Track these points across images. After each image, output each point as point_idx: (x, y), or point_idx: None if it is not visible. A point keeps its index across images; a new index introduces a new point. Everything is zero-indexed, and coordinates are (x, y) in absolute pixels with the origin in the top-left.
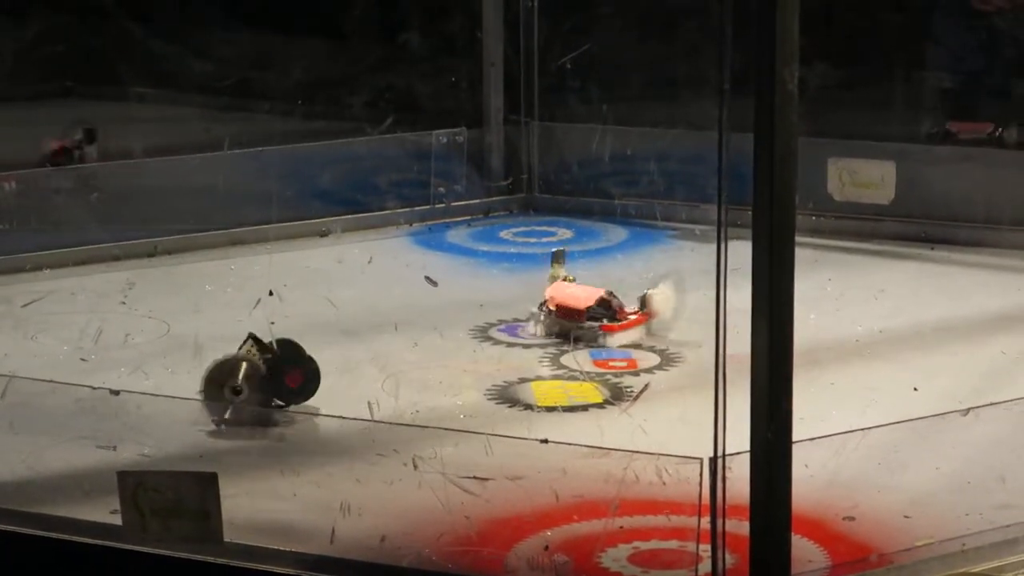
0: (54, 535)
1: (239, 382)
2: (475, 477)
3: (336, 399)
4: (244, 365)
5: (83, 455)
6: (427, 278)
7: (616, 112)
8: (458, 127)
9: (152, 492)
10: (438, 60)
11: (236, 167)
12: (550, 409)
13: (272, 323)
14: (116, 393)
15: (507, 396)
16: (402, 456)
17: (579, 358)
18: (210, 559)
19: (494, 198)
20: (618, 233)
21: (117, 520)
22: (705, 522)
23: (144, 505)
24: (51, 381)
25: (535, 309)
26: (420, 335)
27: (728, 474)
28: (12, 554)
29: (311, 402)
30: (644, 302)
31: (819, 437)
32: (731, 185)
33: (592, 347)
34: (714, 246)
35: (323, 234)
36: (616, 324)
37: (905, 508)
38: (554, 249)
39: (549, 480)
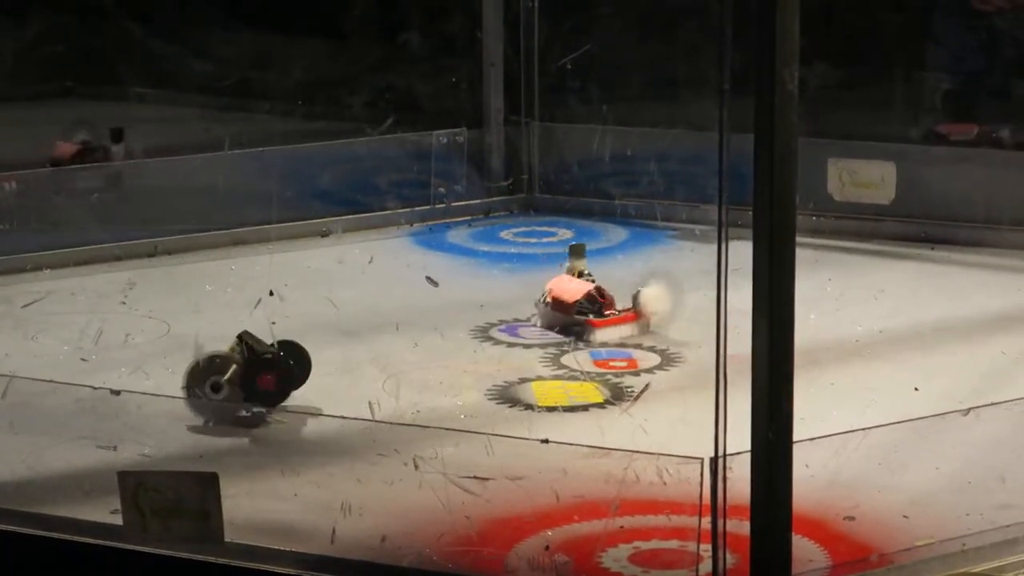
0: (55, 535)
1: (222, 380)
2: (476, 477)
3: (337, 399)
4: (234, 366)
5: (83, 455)
6: (428, 278)
7: (616, 112)
8: (458, 127)
9: (153, 492)
10: (438, 60)
11: (237, 167)
12: (551, 409)
13: (273, 323)
14: (116, 393)
15: (508, 396)
16: (403, 456)
17: (579, 358)
18: (211, 559)
19: (494, 198)
20: (618, 233)
21: (118, 520)
22: (706, 522)
23: (145, 505)
24: (51, 381)
25: (538, 301)
26: (421, 335)
27: (729, 474)
28: (12, 554)
29: (311, 402)
30: (635, 300)
31: (819, 437)
32: (731, 185)
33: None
34: (714, 246)
35: (324, 234)
36: (601, 319)
37: (905, 508)
38: (572, 243)
39: (550, 480)
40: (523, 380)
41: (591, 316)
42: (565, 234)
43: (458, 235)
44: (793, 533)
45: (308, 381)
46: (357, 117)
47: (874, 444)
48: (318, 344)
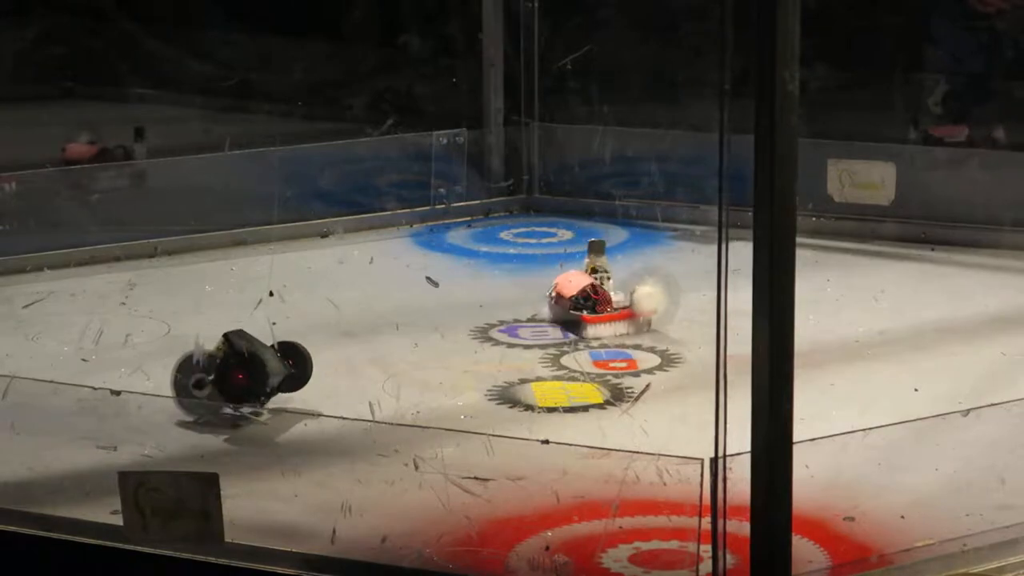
0: (55, 535)
1: (207, 378)
2: (476, 477)
3: (337, 399)
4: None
5: (84, 455)
6: (428, 279)
7: (617, 113)
8: (458, 128)
9: (153, 492)
10: (438, 61)
11: (237, 168)
12: (551, 410)
13: (274, 324)
14: (117, 394)
15: (508, 397)
16: (403, 456)
17: (579, 359)
18: (211, 559)
19: (494, 199)
20: (619, 234)
21: (118, 520)
22: (706, 522)
23: (145, 505)
24: (52, 382)
25: (548, 294)
26: (421, 336)
27: (729, 475)
28: (12, 554)
29: (311, 403)
30: (630, 299)
31: (819, 438)
32: (732, 186)
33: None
34: (715, 247)
35: (324, 235)
36: (594, 316)
37: (905, 508)
38: (592, 239)
39: (550, 480)
40: (523, 381)
41: (584, 312)
42: (565, 235)
43: (458, 236)
44: (793, 534)
45: (308, 382)
46: (357, 118)
47: (874, 444)
48: (319, 345)
